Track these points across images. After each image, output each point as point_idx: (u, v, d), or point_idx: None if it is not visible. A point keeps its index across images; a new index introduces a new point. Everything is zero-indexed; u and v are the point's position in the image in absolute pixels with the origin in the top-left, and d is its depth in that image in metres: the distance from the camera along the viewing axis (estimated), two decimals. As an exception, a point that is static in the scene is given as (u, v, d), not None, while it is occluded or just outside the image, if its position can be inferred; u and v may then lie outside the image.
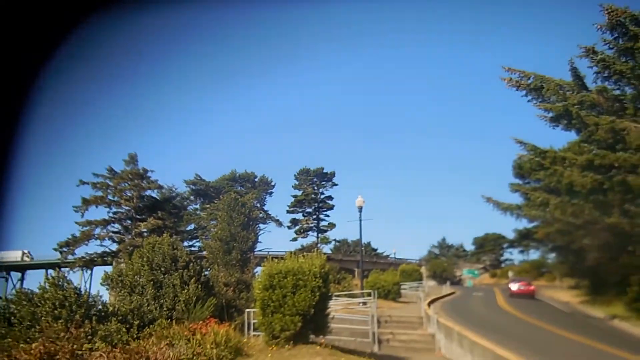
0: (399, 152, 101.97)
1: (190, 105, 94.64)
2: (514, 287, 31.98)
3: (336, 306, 17.10)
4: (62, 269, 35.87)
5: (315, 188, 60.08)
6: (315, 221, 59.84)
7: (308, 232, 59.44)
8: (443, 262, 55.90)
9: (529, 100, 21.89)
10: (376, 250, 62.20)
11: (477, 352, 11.06)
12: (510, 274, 45.57)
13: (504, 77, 21.68)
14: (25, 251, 49.13)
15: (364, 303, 20.26)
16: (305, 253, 13.02)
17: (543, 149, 21.83)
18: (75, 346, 6.49)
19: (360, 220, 25.51)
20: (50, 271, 39.97)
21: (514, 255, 57.87)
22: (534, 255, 48.42)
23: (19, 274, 47.65)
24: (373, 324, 15.10)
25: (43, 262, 46.54)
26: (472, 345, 11.49)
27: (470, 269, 58.14)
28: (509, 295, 30.75)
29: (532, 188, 25.22)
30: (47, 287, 13.44)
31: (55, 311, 12.03)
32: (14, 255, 47.82)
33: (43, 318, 11.61)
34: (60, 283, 13.66)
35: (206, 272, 19.21)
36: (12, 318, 11.98)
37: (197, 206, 55.29)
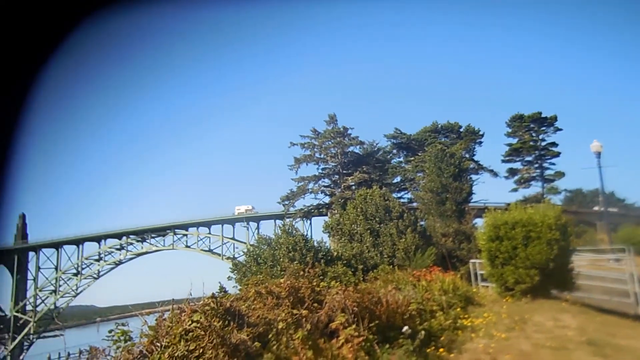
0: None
1: (383, 60, 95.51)
2: None
3: (580, 262, 15.09)
4: (287, 219, 42.37)
5: (534, 134, 53.72)
6: (539, 170, 53.87)
7: (530, 182, 54.13)
8: None
9: None
10: (623, 200, 52.20)
11: None
12: None
13: None
14: (249, 206, 60.08)
15: (617, 260, 17.30)
16: (531, 204, 11.94)
17: None
18: (314, 283, 7.29)
19: (600, 167, 22.01)
20: (277, 221, 47.90)
21: None
22: None
23: (255, 224, 58.54)
24: (633, 282, 12.72)
25: (271, 214, 55.86)
26: None
27: None
28: None
29: None
30: (280, 234, 15.98)
31: (290, 254, 14.24)
32: (244, 208, 59.47)
33: (281, 259, 13.91)
34: (289, 230, 16.06)
35: (421, 223, 19.64)
36: (259, 259, 14.75)
37: (401, 159, 56.37)
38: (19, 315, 58.52)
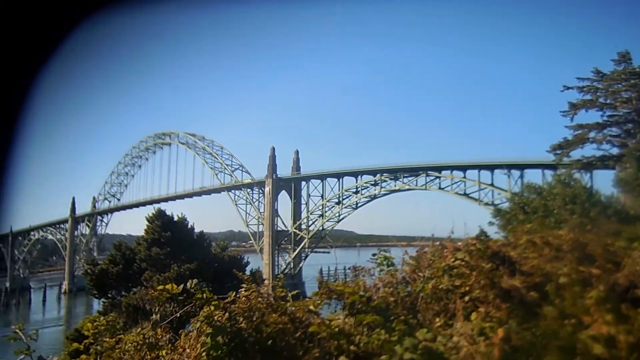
0: None
1: None
2: None
3: None
4: (561, 169, 38.16)
5: None
6: None
7: None
8: None
9: None
10: None
11: None
12: None
13: None
14: None
15: None
16: None
17: None
18: (607, 241, 6.17)
19: None
20: (546, 171, 43.86)
21: None
22: None
23: (518, 172, 55.06)
24: None
25: (538, 162, 51.49)
26: None
27: None
28: None
29: None
30: (553, 184, 14.40)
31: (567, 206, 12.70)
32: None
33: (555, 211, 12.56)
34: (566, 181, 14.30)
35: None
36: (526, 207, 13.74)
37: None
38: (297, 231, 73.07)
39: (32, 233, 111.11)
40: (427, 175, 64.26)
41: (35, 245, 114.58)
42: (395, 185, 67.95)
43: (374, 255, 7.00)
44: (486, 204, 56.13)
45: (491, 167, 58.23)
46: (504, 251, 6.74)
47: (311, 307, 3.96)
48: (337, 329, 3.92)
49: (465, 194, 60.55)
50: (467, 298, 5.22)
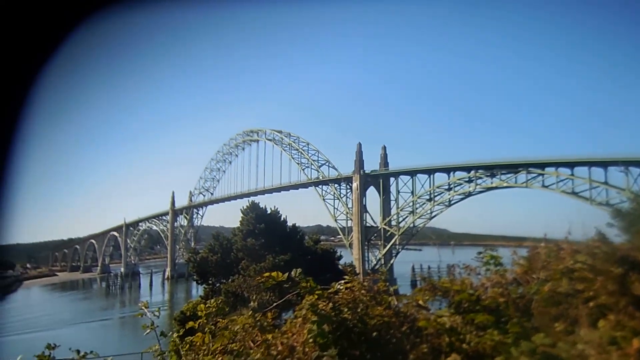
0: None
1: None
2: None
3: None
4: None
5: None
6: None
7: None
8: None
9: None
10: None
11: None
12: None
13: None
14: None
15: None
16: None
17: None
18: None
19: None
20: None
21: None
22: None
23: (639, 169, 50.18)
24: None
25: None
26: None
27: None
28: None
29: None
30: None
31: None
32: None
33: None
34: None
35: None
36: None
37: None
38: (386, 227, 72.33)
39: (140, 224, 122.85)
40: (528, 172, 60.12)
41: (143, 235, 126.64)
42: (492, 183, 64.39)
43: (479, 253, 6.66)
44: (599, 203, 51.47)
45: (604, 164, 53.12)
46: (633, 255, 6.07)
47: (420, 302, 3.86)
48: (446, 326, 3.80)
49: (574, 193, 55.80)
50: (591, 304, 4.77)
